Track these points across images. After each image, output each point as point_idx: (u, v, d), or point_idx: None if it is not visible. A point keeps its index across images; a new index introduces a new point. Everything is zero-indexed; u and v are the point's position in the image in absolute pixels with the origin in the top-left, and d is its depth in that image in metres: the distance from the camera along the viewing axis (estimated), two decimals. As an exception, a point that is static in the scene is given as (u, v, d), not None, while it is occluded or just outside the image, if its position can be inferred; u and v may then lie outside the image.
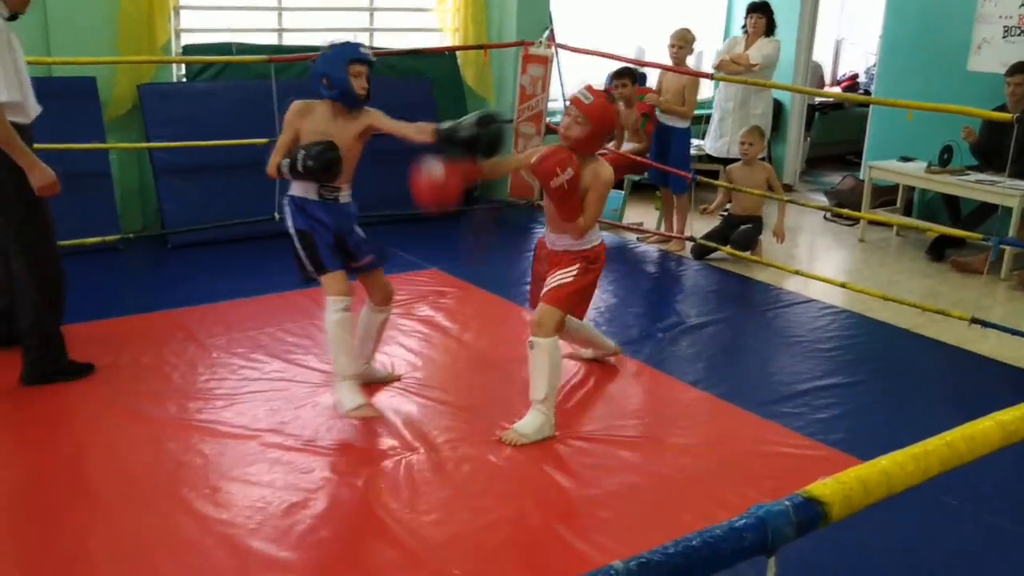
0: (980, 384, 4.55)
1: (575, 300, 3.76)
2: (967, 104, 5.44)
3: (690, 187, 6.36)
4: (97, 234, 5.69)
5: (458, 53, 7.43)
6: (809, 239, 7.34)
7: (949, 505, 3.28)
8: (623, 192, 7.02)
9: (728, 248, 6.23)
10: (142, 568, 2.78)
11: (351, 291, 3.71)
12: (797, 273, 5.78)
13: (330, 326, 3.69)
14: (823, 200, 7.98)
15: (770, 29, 6.87)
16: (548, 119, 7.02)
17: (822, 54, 10.48)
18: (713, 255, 6.31)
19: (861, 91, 10.23)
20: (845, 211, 6.82)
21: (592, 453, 3.59)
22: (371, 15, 7.37)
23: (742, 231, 6.30)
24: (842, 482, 1.26)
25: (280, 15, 6.94)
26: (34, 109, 3.80)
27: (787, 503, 1.20)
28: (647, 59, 7.65)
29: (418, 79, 7.17)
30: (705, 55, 8.61)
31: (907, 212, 7.27)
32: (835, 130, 9.83)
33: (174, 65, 6.43)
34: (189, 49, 6.43)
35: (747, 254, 6.18)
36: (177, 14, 6.42)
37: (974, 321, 4.88)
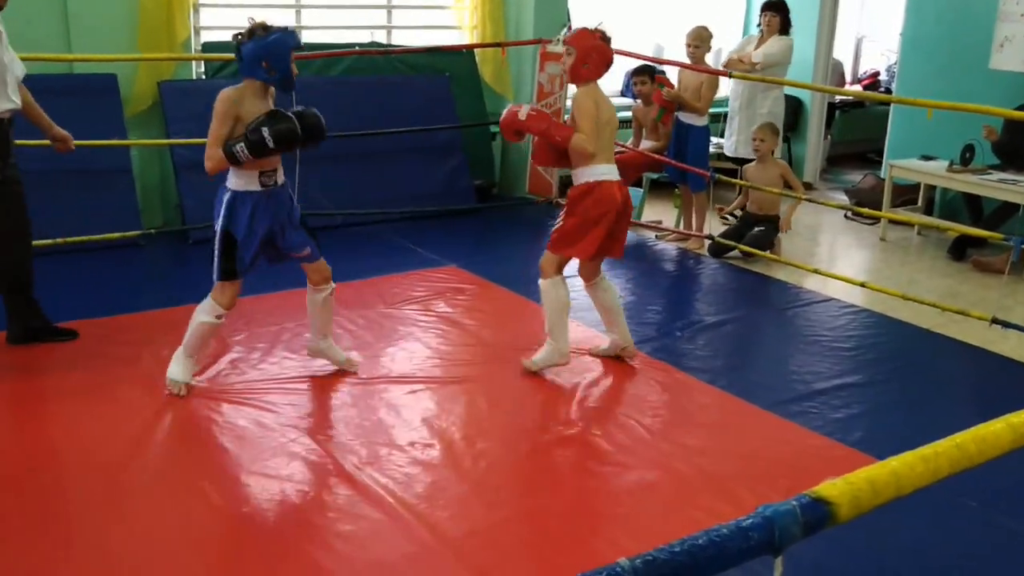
0: (1000, 385, 4.52)
1: (564, 242, 4.10)
2: (989, 103, 5.38)
3: (708, 185, 6.35)
4: (118, 230, 5.75)
5: (476, 50, 7.45)
6: (829, 238, 7.30)
7: (959, 507, 3.25)
8: (642, 190, 7.00)
9: (743, 245, 6.20)
10: (162, 558, 2.81)
11: (234, 305, 3.84)
12: (816, 272, 5.75)
13: (196, 325, 3.82)
14: (844, 199, 7.92)
15: (785, 28, 6.83)
16: (566, 116, 7.00)
17: (843, 52, 10.41)
18: (731, 253, 6.29)
19: (882, 89, 10.15)
20: (866, 210, 6.76)
21: (609, 450, 3.60)
22: (389, 12, 7.39)
23: (755, 234, 6.27)
24: (851, 482, 1.25)
25: (299, 12, 6.98)
26: (9, 102, 3.78)
27: (794, 503, 1.19)
28: (666, 57, 7.63)
29: (437, 76, 7.19)
30: (724, 53, 8.57)
31: (928, 211, 7.22)
32: (856, 128, 9.76)
33: (194, 62, 6.48)
34: (208, 46, 6.48)
35: (766, 253, 6.15)
36: (197, 11, 6.47)
37: (995, 321, 4.85)
